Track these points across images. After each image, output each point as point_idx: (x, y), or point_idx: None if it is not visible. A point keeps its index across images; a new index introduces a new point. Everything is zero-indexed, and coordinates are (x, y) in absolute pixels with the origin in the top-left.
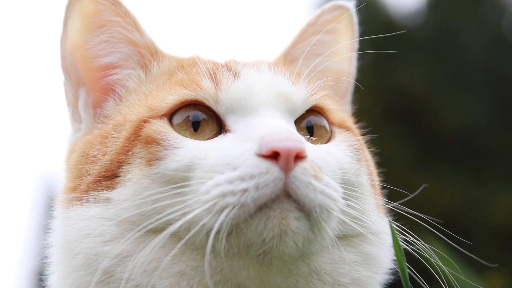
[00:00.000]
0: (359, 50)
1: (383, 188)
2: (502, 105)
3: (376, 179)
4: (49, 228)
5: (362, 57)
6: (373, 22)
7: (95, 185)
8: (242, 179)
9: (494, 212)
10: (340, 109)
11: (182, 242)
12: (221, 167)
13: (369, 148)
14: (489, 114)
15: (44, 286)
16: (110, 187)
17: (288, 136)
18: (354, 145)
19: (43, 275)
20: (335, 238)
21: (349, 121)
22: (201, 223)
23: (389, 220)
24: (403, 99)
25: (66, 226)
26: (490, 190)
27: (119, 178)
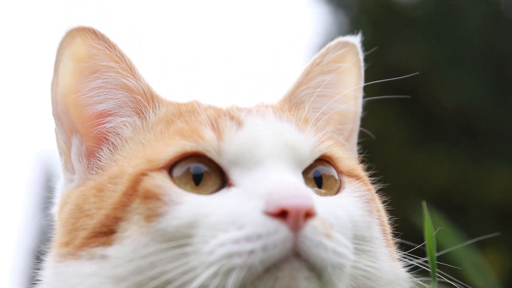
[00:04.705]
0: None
1: (394, 234)
2: (500, 83)
3: (388, 228)
4: (37, 279)
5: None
6: None
7: (90, 240)
8: (248, 239)
9: (491, 190)
10: (349, 157)
11: None
12: (226, 225)
13: (380, 196)
14: (486, 92)
15: None
16: (107, 244)
17: (297, 193)
18: (365, 195)
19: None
20: None
21: (358, 168)
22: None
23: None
24: (400, 77)
25: (57, 281)
26: (486, 168)
27: (116, 235)
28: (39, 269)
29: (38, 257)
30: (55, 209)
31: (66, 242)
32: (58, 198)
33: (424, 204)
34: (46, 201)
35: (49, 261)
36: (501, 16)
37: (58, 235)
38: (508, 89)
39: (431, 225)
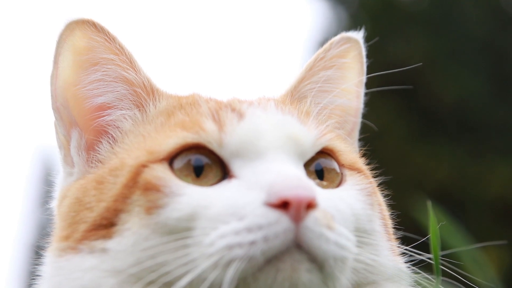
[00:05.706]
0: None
1: (395, 228)
2: (499, 79)
3: (389, 222)
4: (37, 275)
5: (358, 30)
6: None
7: (90, 233)
8: (249, 230)
9: (490, 185)
10: (350, 150)
11: None
12: (226, 216)
13: (381, 190)
14: (486, 88)
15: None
16: (107, 236)
17: (299, 184)
18: (367, 188)
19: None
20: None
21: (360, 162)
22: (209, 279)
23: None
24: (400, 72)
25: (58, 276)
26: (486, 164)
27: (116, 227)
28: (38, 264)
29: (37, 252)
30: (54, 203)
31: (66, 236)
32: (57, 192)
33: (429, 204)
34: (46, 195)
35: (49, 256)
36: (501, 11)
37: (57, 229)
38: (508, 84)
39: (436, 224)
